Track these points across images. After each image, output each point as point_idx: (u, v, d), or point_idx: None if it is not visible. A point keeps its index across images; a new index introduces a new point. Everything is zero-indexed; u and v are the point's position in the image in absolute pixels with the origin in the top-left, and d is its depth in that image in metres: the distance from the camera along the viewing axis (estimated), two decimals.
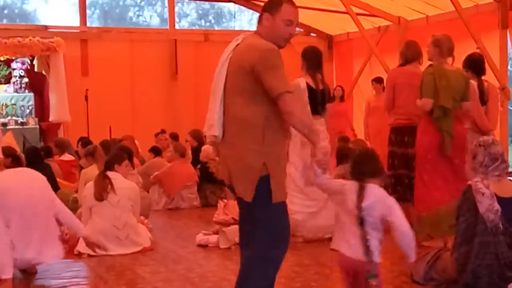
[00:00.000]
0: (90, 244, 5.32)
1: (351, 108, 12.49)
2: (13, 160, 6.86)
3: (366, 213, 3.48)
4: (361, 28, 11.21)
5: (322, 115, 6.23)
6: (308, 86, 6.10)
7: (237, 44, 3.45)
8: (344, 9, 11.16)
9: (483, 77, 6.27)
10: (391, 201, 3.59)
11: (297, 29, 15.82)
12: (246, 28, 15.47)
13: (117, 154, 6.56)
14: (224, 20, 16.01)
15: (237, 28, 14.84)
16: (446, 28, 10.06)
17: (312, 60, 6.27)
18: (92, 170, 6.91)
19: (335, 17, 12.56)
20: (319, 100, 6.14)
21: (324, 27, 13.86)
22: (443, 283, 4.51)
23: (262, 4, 14.84)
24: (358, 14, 11.29)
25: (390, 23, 12.00)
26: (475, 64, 6.24)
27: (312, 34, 14.07)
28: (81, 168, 8.36)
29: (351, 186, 3.58)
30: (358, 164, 3.62)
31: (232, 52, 3.43)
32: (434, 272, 4.59)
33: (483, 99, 6.15)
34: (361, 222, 3.47)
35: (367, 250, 3.46)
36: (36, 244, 4.97)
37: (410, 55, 6.45)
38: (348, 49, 13.55)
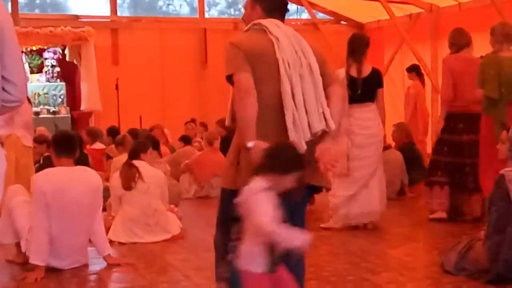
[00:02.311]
0: (111, 263, 5.24)
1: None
2: (48, 146, 6.92)
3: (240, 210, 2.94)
4: (392, 16, 11.09)
5: (372, 101, 6.16)
6: (349, 75, 6.07)
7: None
8: None
9: None
10: (261, 195, 2.87)
11: (327, 17, 15.76)
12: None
13: (141, 142, 6.61)
14: None
15: None
16: (479, 15, 9.91)
17: (353, 47, 6.21)
18: (122, 159, 6.96)
19: (365, 5, 12.43)
20: (358, 87, 6.06)
21: (354, 15, 13.74)
22: (475, 273, 4.47)
23: None
24: (389, 1, 11.16)
25: (421, 10, 11.84)
26: None
27: (342, 22, 13.96)
28: (108, 156, 8.45)
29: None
30: (262, 158, 3.01)
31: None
32: (465, 262, 4.55)
33: None
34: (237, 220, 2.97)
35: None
36: (69, 246, 5.05)
37: (462, 41, 6.40)
38: (379, 37, 13.40)
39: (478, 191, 6.28)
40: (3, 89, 2.76)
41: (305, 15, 14.22)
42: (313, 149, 3.21)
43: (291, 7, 14.81)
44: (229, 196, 3.24)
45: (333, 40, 12.67)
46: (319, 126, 3.22)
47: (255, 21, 3.37)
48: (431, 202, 6.51)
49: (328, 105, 3.29)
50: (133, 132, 8.53)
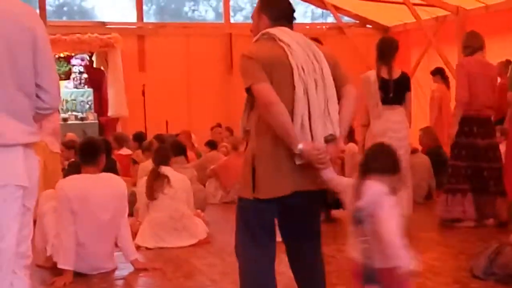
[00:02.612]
0: (139, 268, 5.27)
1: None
2: (76, 151, 6.99)
3: (363, 213, 3.01)
4: (418, 19, 11.02)
5: (400, 104, 6.11)
6: (381, 77, 6.03)
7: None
8: (400, 0, 10.98)
9: None
10: (387, 201, 2.98)
11: (353, 20, 15.72)
12: (300, 21, 15.41)
13: (166, 149, 6.66)
14: None
15: None
16: (506, 17, 9.81)
17: (382, 50, 6.17)
18: (149, 165, 7.01)
19: (391, 8, 12.37)
20: (390, 89, 6.02)
21: (380, 18, 13.68)
22: (504, 278, 4.42)
23: None
24: (415, 4, 11.09)
25: (448, 13, 11.75)
26: None
27: (368, 25, 13.91)
28: (134, 162, 8.52)
29: (350, 183, 3.18)
30: (366, 159, 3.14)
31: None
32: (495, 267, 4.50)
33: None
34: (357, 222, 3.03)
35: (366, 253, 3.03)
36: (96, 252, 5.11)
37: (477, 44, 6.37)
38: (405, 40, 13.31)
39: (502, 195, 6.21)
40: (37, 96, 2.81)
41: (330, 19, 14.20)
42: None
43: (317, 10, 14.83)
44: (247, 205, 3.27)
45: (358, 43, 12.64)
46: (327, 131, 3.21)
47: (263, 31, 3.34)
48: (451, 210, 6.40)
49: (340, 105, 3.27)
50: (159, 138, 8.58)
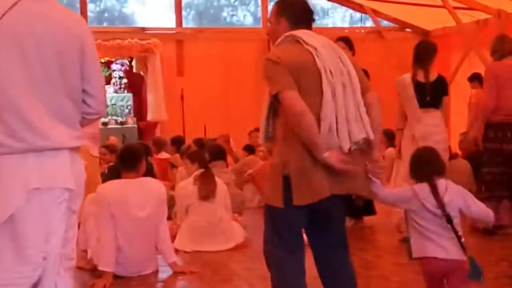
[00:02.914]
0: (177, 271, 5.31)
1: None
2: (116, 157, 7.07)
3: (450, 210, 3.42)
4: (459, 22, 10.89)
5: (437, 108, 6.00)
6: (416, 80, 5.94)
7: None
8: (440, 3, 10.86)
9: None
10: (463, 190, 3.58)
11: (392, 24, 15.49)
12: (339, 25, 15.35)
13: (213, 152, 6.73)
14: (317, 17, 15.96)
15: (330, 25, 14.75)
16: None
17: (419, 53, 6.07)
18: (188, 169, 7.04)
19: (431, 12, 12.24)
20: (427, 92, 5.92)
21: (419, 22, 13.55)
22: None
23: (356, 0, 14.60)
24: (455, 7, 10.96)
25: (489, 16, 11.58)
26: None
27: (407, 29, 13.78)
28: (172, 166, 8.57)
29: (421, 188, 3.50)
30: (422, 164, 3.56)
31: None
32: None
33: None
34: (449, 220, 3.41)
35: (462, 247, 3.42)
36: (136, 255, 5.16)
37: (507, 48, 6.28)
38: (445, 44, 13.14)
39: None
40: (84, 102, 2.87)
41: (369, 23, 14.12)
42: (359, 158, 3.18)
43: (355, 14, 14.75)
44: (277, 213, 3.22)
45: (398, 47, 12.53)
46: (359, 135, 3.15)
47: (287, 34, 3.28)
48: None
49: (368, 112, 3.22)
50: (199, 142, 8.63)
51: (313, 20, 3.40)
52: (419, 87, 5.92)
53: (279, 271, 3.31)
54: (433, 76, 6.00)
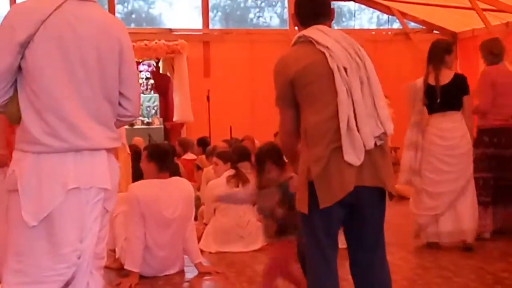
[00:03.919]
0: (202, 272, 5.34)
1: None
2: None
3: None
4: (487, 24, 10.78)
5: (454, 109, 5.79)
6: (427, 83, 5.78)
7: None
8: (469, 5, 10.77)
9: None
10: None
11: (419, 26, 15.40)
12: (366, 27, 15.29)
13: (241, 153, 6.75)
14: (344, 19, 15.90)
15: (357, 27, 14.70)
16: None
17: (430, 54, 5.90)
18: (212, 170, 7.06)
19: (459, 13, 12.15)
20: (437, 95, 5.73)
21: (447, 24, 13.45)
22: None
23: (383, 2, 14.53)
24: (484, 9, 10.86)
25: None
26: None
27: (435, 31, 13.69)
28: (198, 167, 8.60)
29: None
30: None
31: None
32: None
33: None
34: None
35: None
36: (163, 254, 5.20)
37: (502, 52, 6.22)
38: (473, 47, 13.02)
39: None
40: (119, 104, 2.92)
41: (396, 25, 14.05)
42: (379, 152, 3.14)
43: (383, 16, 14.68)
44: (308, 219, 3.19)
45: (425, 49, 12.42)
46: (378, 131, 3.11)
47: (299, 34, 3.25)
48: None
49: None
50: (228, 143, 8.63)
51: (328, 13, 3.32)
52: (429, 91, 5.76)
53: (314, 276, 3.28)
54: (447, 77, 5.77)
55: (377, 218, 3.27)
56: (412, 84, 5.93)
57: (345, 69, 3.10)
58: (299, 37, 3.25)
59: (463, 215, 5.81)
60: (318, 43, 3.16)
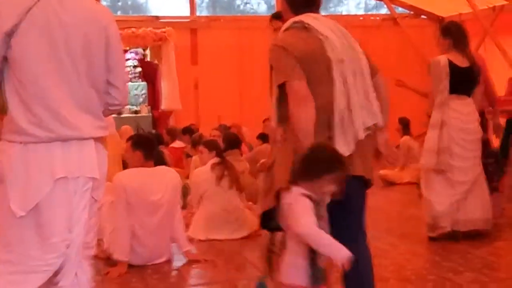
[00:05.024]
0: (191, 260, 5.32)
1: None
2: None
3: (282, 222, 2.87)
4: (474, 8, 10.78)
5: (469, 95, 5.64)
6: (452, 64, 5.54)
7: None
8: None
9: None
10: (293, 200, 2.80)
11: (407, 11, 15.40)
12: (353, 13, 15.28)
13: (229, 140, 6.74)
14: (331, 5, 15.87)
15: (344, 13, 14.68)
16: None
17: (458, 36, 5.65)
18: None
19: None
20: (466, 78, 5.57)
21: (434, 9, 13.44)
22: None
23: None
24: None
25: (505, 2, 11.46)
26: None
27: (422, 16, 13.68)
28: (188, 155, 8.59)
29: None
30: (294, 162, 2.93)
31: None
32: None
33: None
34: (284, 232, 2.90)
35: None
36: (151, 243, 5.18)
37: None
38: None
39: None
40: (107, 93, 2.90)
41: (384, 10, 14.03)
42: (368, 142, 3.13)
43: (370, 2, 14.66)
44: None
45: (413, 34, 12.45)
46: (370, 122, 3.12)
47: (295, 19, 3.20)
48: None
49: (377, 96, 3.19)
50: (219, 131, 8.64)
51: (318, 2, 3.30)
52: (455, 72, 5.54)
53: None
54: (470, 61, 5.62)
55: (361, 205, 3.31)
56: (436, 61, 5.60)
57: (341, 60, 3.09)
58: (295, 22, 3.21)
59: (477, 204, 5.65)
60: (316, 30, 3.13)
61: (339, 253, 2.68)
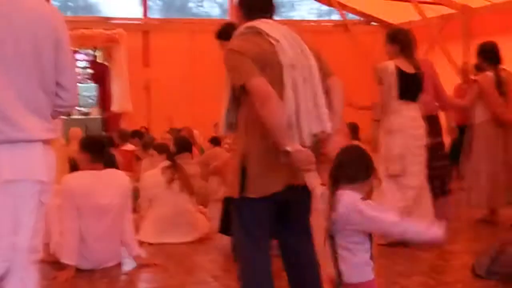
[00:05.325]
0: (141, 264, 5.26)
1: None
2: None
3: (336, 227, 2.85)
4: (424, 17, 10.99)
5: (416, 100, 5.67)
6: (399, 70, 5.56)
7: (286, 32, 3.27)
8: None
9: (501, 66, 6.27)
10: (362, 205, 2.81)
11: (358, 18, 15.61)
12: (306, 18, 15.39)
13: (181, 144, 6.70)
14: (283, 10, 15.95)
15: (297, 18, 14.77)
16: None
17: (405, 42, 5.70)
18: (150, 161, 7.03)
19: (397, 6, 12.35)
20: (412, 84, 5.61)
21: (385, 16, 13.66)
22: (506, 277, 4.41)
23: None
24: (420, 2, 11.08)
25: (454, 11, 11.72)
26: (489, 53, 6.30)
27: (373, 23, 13.89)
28: (138, 158, 8.53)
29: (324, 194, 2.96)
30: (335, 166, 2.92)
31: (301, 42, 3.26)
32: (497, 266, 4.49)
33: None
34: (330, 237, 2.88)
35: (337, 271, 2.88)
36: (100, 247, 5.11)
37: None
38: None
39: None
40: (57, 94, 2.85)
41: (336, 16, 14.18)
42: (315, 149, 3.15)
43: (323, 8, 14.79)
44: (241, 204, 3.21)
45: (363, 41, 12.61)
46: (317, 128, 3.14)
47: (248, 24, 3.23)
48: None
49: (329, 98, 3.21)
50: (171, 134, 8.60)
51: (273, 8, 3.34)
52: (403, 79, 5.58)
53: (246, 262, 3.30)
54: (416, 68, 5.68)
55: (305, 212, 3.39)
56: (383, 67, 5.62)
57: (292, 66, 3.11)
58: (247, 27, 3.23)
59: (426, 209, 5.70)
60: (268, 35, 3.16)
61: (432, 233, 2.83)
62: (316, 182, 3.05)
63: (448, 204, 6.26)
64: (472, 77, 7.48)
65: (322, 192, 2.98)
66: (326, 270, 3.01)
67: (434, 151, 5.93)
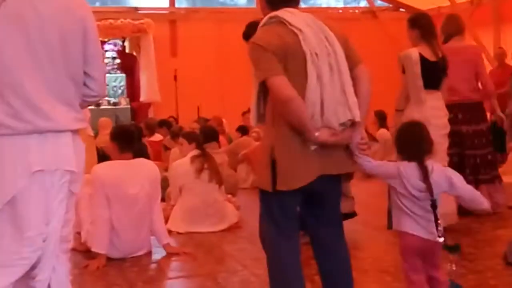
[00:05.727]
0: (170, 253, 5.30)
1: None
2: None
3: (435, 194, 3.29)
4: (453, 2, 10.84)
5: (439, 89, 5.55)
6: (422, 57, 5.42)
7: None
8: None
9: None
10: (448, 172, 3.42)
11: (386, 4, 15.46)
12: (332, 5, 15.28)
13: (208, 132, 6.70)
14: None
15: (323, 5, 14.68)
16: None
17: (426, 27, 5.57)
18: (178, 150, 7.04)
19: None
20: (435, 72, 5.45)
21: (413, 2, 13.49)
22: None
23: None
24: None
25: None
26: None
27: (401, 9, 13.74)
28: (166, 148, 8.57)
29: (407, 168, 3.34)
30: (414, 142, 3.39)
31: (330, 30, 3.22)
32: None
33: None
34: (433, 206, 3.27)
35: (438, 230, 3.28)
36: (130, 236, 5.16)
37: (451, 30, 6.15)
38: (439, 24, 13.13)
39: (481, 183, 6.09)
40: (85, 84, 2.88)
41: (363, 3, 14.06)
42: (344, 135, 3.15)
43: None
44: (270, 197, 3.20)
45: (391, 27, 12.49)
46: (345, 117, 3.11)
47: (271, 14, 3.21)
48: None
49: (356, 88, 3.17)
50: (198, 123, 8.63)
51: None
52: (426, 66, 5.42)
53: (275, 254, 3.30)
54: (439, 53, 5.52)
55: (335, 201, 3.39)
56: (407, 55, 5.47)
57: (316, 54, 3.08)
58: (271, 18, 3.21)
59: (446, 198, 5.66)
60: (290, 24, 3.13)
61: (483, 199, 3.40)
62: (369, 164, 3.31)
63: (499, 191, 6.22)
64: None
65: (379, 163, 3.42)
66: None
67: (478, 138, 5.90)
